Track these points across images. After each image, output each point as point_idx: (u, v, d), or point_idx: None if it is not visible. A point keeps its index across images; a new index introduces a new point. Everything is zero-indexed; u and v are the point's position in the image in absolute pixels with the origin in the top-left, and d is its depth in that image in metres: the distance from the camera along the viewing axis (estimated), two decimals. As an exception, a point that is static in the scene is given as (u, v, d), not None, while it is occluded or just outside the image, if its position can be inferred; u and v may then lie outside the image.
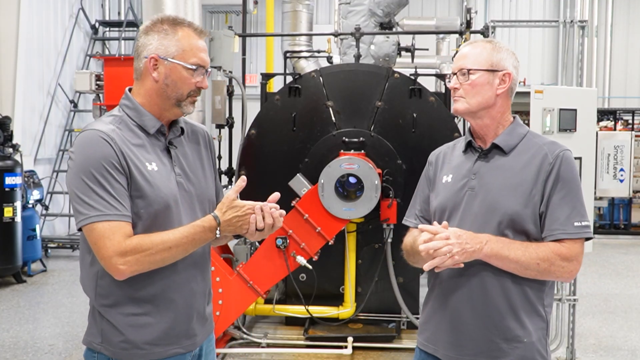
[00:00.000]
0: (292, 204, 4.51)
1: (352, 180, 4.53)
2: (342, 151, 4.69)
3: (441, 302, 2.11)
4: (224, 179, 5.51)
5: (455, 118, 5.39)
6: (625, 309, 6.52)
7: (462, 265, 1.93)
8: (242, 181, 1.90)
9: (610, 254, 9.30)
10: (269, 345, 4.89)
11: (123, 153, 1.83)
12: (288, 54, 7.97)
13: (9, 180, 7.06)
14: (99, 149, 1.81)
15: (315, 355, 4.76)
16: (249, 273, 4.56)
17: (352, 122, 4.95)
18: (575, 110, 4.51)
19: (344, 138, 4.76)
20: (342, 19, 6.20)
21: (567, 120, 4.50)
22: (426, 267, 1.93)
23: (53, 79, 10.30)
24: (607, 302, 6.76)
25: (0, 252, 7.00)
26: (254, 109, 5.27)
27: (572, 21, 12.93)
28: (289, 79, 5.39)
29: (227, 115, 5.38)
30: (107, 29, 11.63)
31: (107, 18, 11.78)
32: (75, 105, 10.49)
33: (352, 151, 4.63)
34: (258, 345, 4.90)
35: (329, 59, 6.55)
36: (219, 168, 5.06)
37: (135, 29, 10.81)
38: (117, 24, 11.17)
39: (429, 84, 7.98)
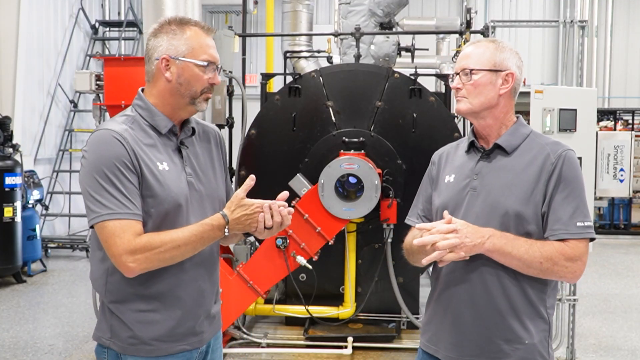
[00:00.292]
0: (292, 204, 4.51)
1: (352, 180, 4.53)
2: (342, 151, 4.69)
3: (442, 303, 2.10)
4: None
5: (456, 118, 5.39)
6: (625, 309, 6.52)
7: (467, 257, 1.90)
8: (251, 180, 1.92)
9: (610, 254, 9.30)
10: (269, 345, 4.89)
11: (135, 152, 1.86)
12: (288, 54, 7.97)
13: (9, 180, 7.06)
14: (112, 148, 1.84)
15: (315, 355, 4.76)
16: (249, 273, 4.56)
17: (352, 122, 4.95)
18: (575, 110, 4.51)
19: (344, 138, 4.76)
20: (342, 19, 6.20)
21: (567, 120, 4.50)
22: (424, 261, 1.92)
23: (53, 79, 10.30)
24: (607, 302, 6.76)
25: (0, 252, 7.00)
26: (254, 109, 5.27)
27: (572, 21, 12.95)
28: (289, 79, 5.39)
29: (227, 115, 5.38)
30: (107, 29, 11.63)
31: (107, 18, 11.77)
32: (75, 105, 10.49)
33: (352, 151, 4.63)
34: (258, 345, 4.90)
35: (329, 59, 6.55)
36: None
37: (135, 29, 10.82)
38: (117, 24, 11.16)
39: (429, 84, 7.98)
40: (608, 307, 6.56)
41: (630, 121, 11.62)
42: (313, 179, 4.67)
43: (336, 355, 4.75)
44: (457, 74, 2.08)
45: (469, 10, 5.88)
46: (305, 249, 4.59)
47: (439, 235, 1.88)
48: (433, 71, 9.26)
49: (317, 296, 4.99)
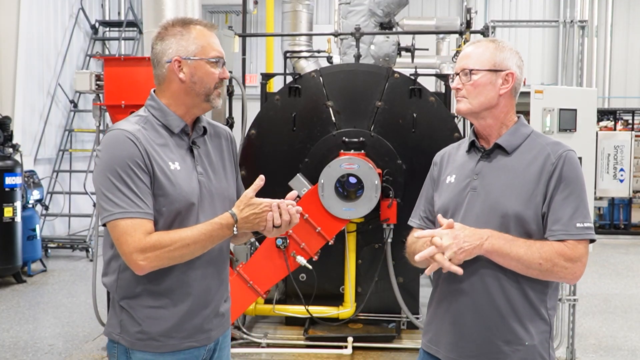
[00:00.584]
0: (292, 204, 4.50)
1: (352, 180, 4.53)
2: (342, 151, 4.69)
3: (443, 304, 2.10)
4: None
5: (456, 118, 5.39)
6: (625, 309, 6.52)
7: (460, 272, 1.91)
8: (260, 180, 1.94)
9: (610, 254, 9.30)
10: (269, 345, 4.89)
11: (147, 152, 1.90)
12: (288, 54, 7.97)
13: (9, 180, 7.06)
14: (125, 148, 1.88)
15: (315, 355, 4.76)
16: (249, 273, 4.56)
17: (352, 122, 4.95)
18: (575, 110, 4.52)
19: (344, 138, 4.76)
20: (342, 19, 6.20)
21: (567, 120, 4.50)
22: (427, 271, 1.94)
23: (53, 79, 10.30)
24: (607, 302, 6.76)
25: (0, 252, 6.99)
26: (254, 109, 5.26)
27: (572, 21, 12.96)
28: (289, 79, 5.39)
29: (227, 115, 5.38)
30: (107, 29, 11.63)
31: (107, 18, 11.78)
32: (75, 105, 10.49)
33: (352, 151, 4.63)
34: (258, 345, 4.90)
35: (329, 59, 6.55)
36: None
37: (135, 29, 10.82)
38: (117, 24, 11.16)
39: (429, 84, 7.99)
40: (608, 307, 6.56)
41: (630, 121, 11.61)
42: (313, 179, 4.67)
43: (336, 355, 4.75)
44: (457, 74, 2.08)
45: (469, 10, 5.88)
46: (305, 249, 4.59)
47: (434, 249, 1.89)
48: (433, 71, 9.26)
49: (317, 296, 4.99)
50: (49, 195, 9.65)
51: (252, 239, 5.32)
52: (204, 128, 2.08)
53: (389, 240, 4.75)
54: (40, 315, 6.09)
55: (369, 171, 4.53)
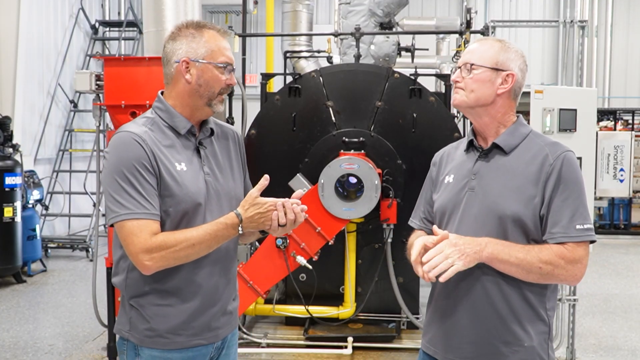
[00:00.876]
0: (292, 204, 4.50)
1: (352, 180, 4.53)
2: (342, 151, 4.69)
3: (442, 305, 2.10)
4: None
5: (456, 118, 5.39)
6: (625, 309, 6.52)
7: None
8: (265, 180, 1.97)
9: (610, 254, 9.30)
10: (269, 345, 4.89)
11: (154, 154, 1.93)
12: (288, 54, 7.97)
13: (9, 180, 7.06)
14: (131, 150, 1.91)
15: (315, 355, 4.76)
16: (249, 273, 4.56)
17: (352, 122, 4.95)
18: (575, 110, 4.51)
19: (344, 138, 4.76)
20: (342, 19, 6.20)
21: (567, 120, 4.50)
22: (431, 275, 1.92)
23: (53, 79, 10.30)
24: (607, 302, 6.76)
25: (0, 252, 6.99)
26: (254, 109, 5.26)
27: (572, 21, 12.95)
28: (289, 79, 5.39)
29: (227, 115, 5.38)
30: (107, 29, 11.63)
31: (107, 18, 11.78)
32: (75, 105, 10.49)
33: (352, 151, 4.63)
34: (258, 345, 4.90)
35: (329, 59, 6.55)
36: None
37: (135, 29, 10.82)
38: (117, 24, 11.16)
39: (429, 84, 7.99)
40: (608, 307, 6.56)
41: (630, 121, 11.62)
42: (313, 179, 4.67)
43: (336, 355, 4.75)
44: (459, 67, 2.08)
45: (469, 10, 5.88)
46: (305, 249, 4.59)
47: (441, 257, 1.88)
48: (433, 71, 9.27)
49: (317, 296, 4.99)
50: (49, 195, 9.66)
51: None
52: (211, 129, 2.11)
53: (389, 240, 4.75)
54: (40, 315, 6.09)
55: (369, 171, 4.53)
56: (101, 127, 4.91)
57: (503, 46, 2.06)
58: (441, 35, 11.09)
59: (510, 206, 1.97)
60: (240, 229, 1.92)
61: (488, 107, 2.05)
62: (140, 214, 1.88)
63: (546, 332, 2.03)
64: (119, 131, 1.99)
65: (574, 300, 4.85)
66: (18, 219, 7.20)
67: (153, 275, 1.93)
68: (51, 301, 6.58)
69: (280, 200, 1.94)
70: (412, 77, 4.93)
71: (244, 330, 5.04)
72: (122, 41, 10.85)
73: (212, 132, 2.11)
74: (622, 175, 7.25)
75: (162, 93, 2.10)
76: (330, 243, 4.65)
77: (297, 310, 5.03)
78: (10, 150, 7.33)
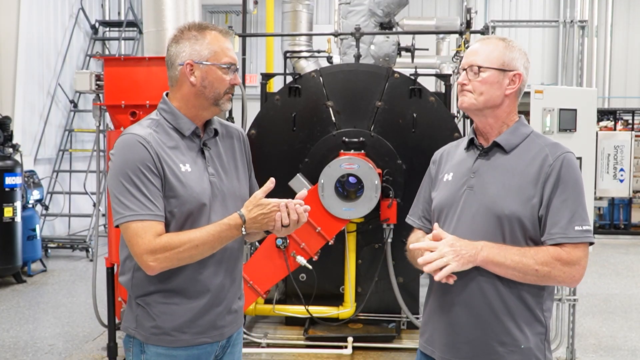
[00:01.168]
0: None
1: (352, 180, 4.53)
2: (342, 151, 4.69)
3: (438, 304, 2.10)
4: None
5: (456, 118, 5.39)
6: (625, 309, 6.52)
7: (452, 281, 1.92)
8: (271, 183, 1.98)
9: (610, 254, 9.30)
10: (269, 345, 4.89)
11: (158, 155, 1.96)
12: (288, 54, 7.97)
13: (9, 180, 7.06)
14: (136, 152, 1.94)
15: (315, 355, 4.76)
16: (249, 273, 4.56)
17: (352, 122, 4.95)
18: (575, 110, 4.51)
19: (344, 138, 4.76)
20: (342, 19, 6.20)
21: (567, 120, 4.50)
22: (425, 269, 1.94)
23: (53, 79, 10.30)
24: (607, 302, 6.76)
25: (0, 252, 6.99)
26: (254, 109, 5.26)
27: (572, 21, 12.93)
28: (289, 79, 5.39)
29: (227, 115, 5.38)
30: (107, 29, 11.63)
31: (107, 18, 11.77)
32: (75, 105, 10.49)
33: (352, 151, 4.63)
34: (258, 345, 4.90)
35: (329, 59, 6.55)
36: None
37: (135, 29, 10.82)
38: (117, 24, 11.16)
39: (429, 84, 7.99)
40: (608, 307, 6.56)
41: (630, 121, 11.62)
42: (313, 179, 4.67)
43: (336, 355, 4.75)
44: (464, 69, 2.06)
45: (469, 10, 5.88)
46: (305, 249, 4.59)
47: (435, 254, 1.91)
48: (433, 71, 9.27)
49: (317, 296, 4.99)
50: (49, 195, 9.66)
51: (249, 241, 5.33)
52: (215, 130, 2.13)
53: (389, 240, 4.75)
54: (40, 315, 6.09)
55: (369, 171, 4.53)
56: (101, 127, 4.91)
57: (507, 45, 2.05)
58: (441, 35, 11.09)
59: (509, 205, 1.97)
60: (243, 229, 1.94)
61: (495, 109, 2.04)
62: (144, 215, 1.90)
63: (543, 333, 2.03)
64: (124, 133, 2.01)
65: (574, 300, 4.85)
66: (18, 219, 7.20)
67: (158, 274, 1.96)
68: (51, 301, 6.58)
69: (283, 201, 1.96)
70: (412, 77, 4.93)
71: (244, 330, 5.03)
72: (122, 41, 10.84)
73: (216, 133, 2.13)
74: (622, 175, 7.23)
75: (167, 94, 2.11)
76: (330, 243, 4.65)
77: (297, 310, 5.03)
78: (10, 150, 7.33)
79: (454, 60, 7.24)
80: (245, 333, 5.00)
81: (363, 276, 5.06)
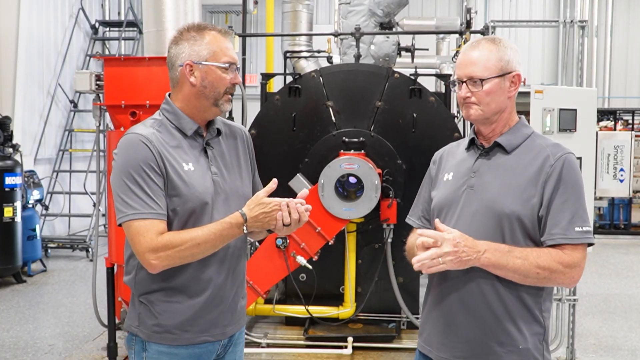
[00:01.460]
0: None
1: (352, 180, 4.53)
2: (342, 151, 4.69)
3: (437, 304, 2.10)
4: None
5: (456, 118, 5.38)
6: (625, 309, 6.52)
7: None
8: (274, 184, 1.99)
9: (610, 254, 9.30)
10: (269, 345, 4.89)
11: (161, 155, 1.97)
12: (288, 54, 7.97)
13: (9, 180, 7.06)
14: (139, 151, 1.96)
15: (315, 355, 4.76)
16: (249, 273, 4.54)
17: (352, 122, 4.95)
18: (575, 110, 4.51)
19: (344, 138, 4.76)
20: (342, 19, 6.20)
21: (567, 120, 4.50)
22: (415, 267, 1.92)
23: (53, 79, 10.30)
24: (607, 302, 6.76)
25: (0, 252, 7.00)
26: (254, 109, 5.26)
27: (572, 21, 12.91)
28: (289, 79, 5.39)
29: (227, 115, 5.38)
30: (107, 29, 11.63)
31: (107, 18, 11.77)
32: (75, 105, 10.49)
33: (352, 151, 4.63)
34: (258, 345, 4.90)
35: (329, 59, 6.55)
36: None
37: (135, 29, 10.81)
38: (117, 24, 11.16)
39: (429, 84, 7.99)
40: (608, 307, 6.56)
41: (630, 121, 11.62)
42: (313, 179, 4.67)
43: (336, 355, 4.75)
44: (463, 81, 2.03)
45: (469, 10, 5.88)
46: (305, 249, 4.59)
47: (433, 252, 1.89)
48: (433, 71, 9.27)
49: (317, 296, 4.99)
50: (49, 195, 9.66)
51: (253, 239, 5.32)
52: (218, 129, 2.14)
53: (389, 240, 4.75)
54: (40, 315, 6.09)
55: (369, 171, 4.53)
56: (101, 127, 4.90)
57: (499, 47, 2.03)
58: (441, 35, 11.09)
59: (509, 205, 1.97)
60: (244, 228, 1.95)
61: (502, 112, 2.05)
62: (146, 213, 1.91)
63: (541, 334, 2.03)
64: (127, 133, 2.03)
65: (574, 300, 4.85)
66: (18, 219, 7.20)
67: (161, 273, 1.97)
68: (51, 301, 6.58)
69: (284, 200, 1.97)
70: (412, 77, 4.93)
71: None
72: (122, 41, 10.84)
73: (219, 132, 2.14)
74: (622, 175, 7.24)
75: (169, 95, 2.13)
76: (330, 243, 4.65)
77: (297, 310, 5.03)
78: (10, 150, 7.33)
79: (454, 60, 7.24)
80: (245, 333, 5.00)
81: (363, 276, 5.06)
